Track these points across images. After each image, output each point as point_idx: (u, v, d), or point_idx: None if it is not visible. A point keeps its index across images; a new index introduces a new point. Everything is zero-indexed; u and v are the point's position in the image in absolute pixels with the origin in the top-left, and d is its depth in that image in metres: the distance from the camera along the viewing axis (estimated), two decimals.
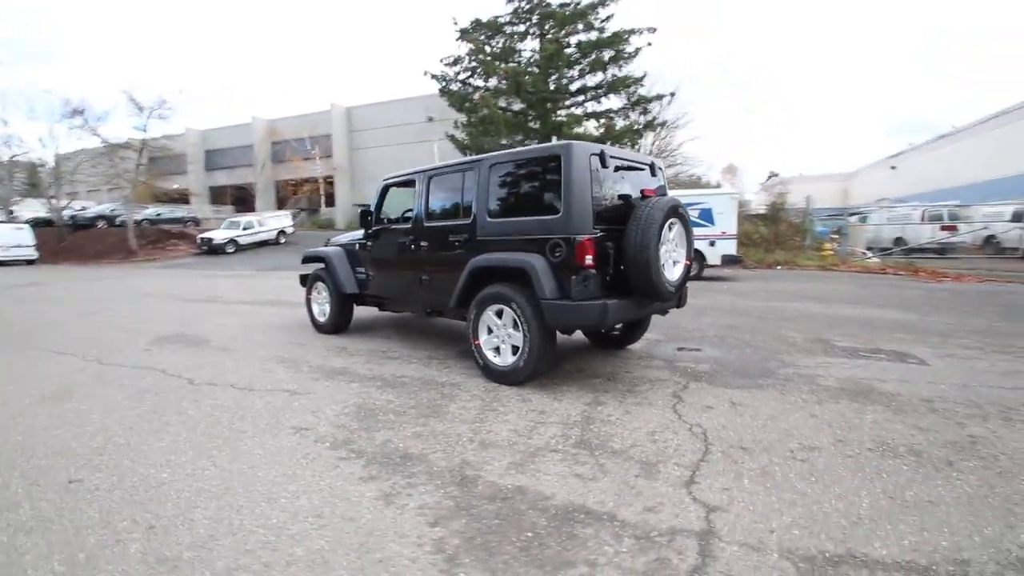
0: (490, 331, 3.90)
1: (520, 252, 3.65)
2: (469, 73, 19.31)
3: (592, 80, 19.03)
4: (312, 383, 3.89)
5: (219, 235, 22.25)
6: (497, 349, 3.86)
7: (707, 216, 10.97)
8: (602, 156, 3.56)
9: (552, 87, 18.38)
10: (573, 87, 18.97)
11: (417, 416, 3.19)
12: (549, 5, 19.00)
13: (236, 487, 2.33)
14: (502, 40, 19.76)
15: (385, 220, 5.09)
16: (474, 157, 4.19)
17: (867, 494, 2.21)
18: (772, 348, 4.89)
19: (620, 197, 3.74)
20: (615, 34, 18.06)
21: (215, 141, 37.69)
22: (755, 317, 6.55)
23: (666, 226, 3.59)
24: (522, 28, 19.86)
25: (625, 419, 3.09)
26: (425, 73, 19.10)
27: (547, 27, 19.35)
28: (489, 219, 3.90)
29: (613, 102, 19.04)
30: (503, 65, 18.08)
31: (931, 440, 2.73)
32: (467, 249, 4.03)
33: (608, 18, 18.68)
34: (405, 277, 4.74)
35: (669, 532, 1.95)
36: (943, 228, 16.20)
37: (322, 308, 5.80)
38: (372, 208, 5.06)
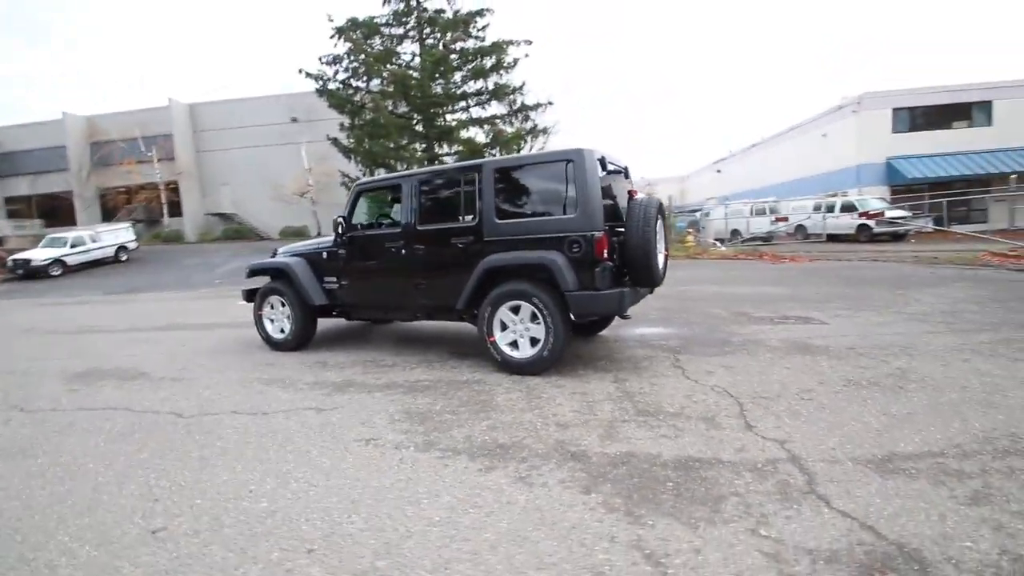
0: (504, 327, 4.08)
1: (535, 250, 3.91)
2: (349, 73, 18.54)
3: (473, 86, 19.58)
4: (327, 399, 3.70)
5: (38, 255, 18.23)
6: (514, 343, 4.06)
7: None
8: (602, 161, 3.99)
9: (439, 92, 18.49)
10: (457, 92, 19.30)
11: (474, 413, 3.28)
12: (426, 10, 19.10)
13: (364, 499, 2.27)
14: (379, 41, 19.36)
15: (358, 226, 4.92)
16: (473, 161, 4.31)
17: (868, 415, 2.93)
18: (711, 323, 5.78)
19: (606, 196, 4.20)
20: (495, 43, 18.80)
21: (11, 142, 30.55)
22: (676, 299, 7.54)
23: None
24: (400, 31, 19.67)
25: (655, 389, 3.55)
26: (300, 71, 17.93)
27: (426, 32, 19.44)
28: (498, 220, 4.08)
29: (496, 109, 19.79)
30: (388, 67, 17.71)
31: (876, 374, 3.64)
32: (473, 250, 4.16)
33: (485, 27, 19.39)
34: (394, 283, 4.65)
35: (768, 463, 2.43)
36: (777, 219, 19.73)
37: (279, 324, 5.36)
38: (344, 215, 4.86)
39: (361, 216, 4.95)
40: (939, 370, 3.66)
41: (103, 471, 2.70)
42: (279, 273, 5.32)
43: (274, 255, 5.63)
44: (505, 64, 19.08)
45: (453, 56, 18.39)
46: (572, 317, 3.89)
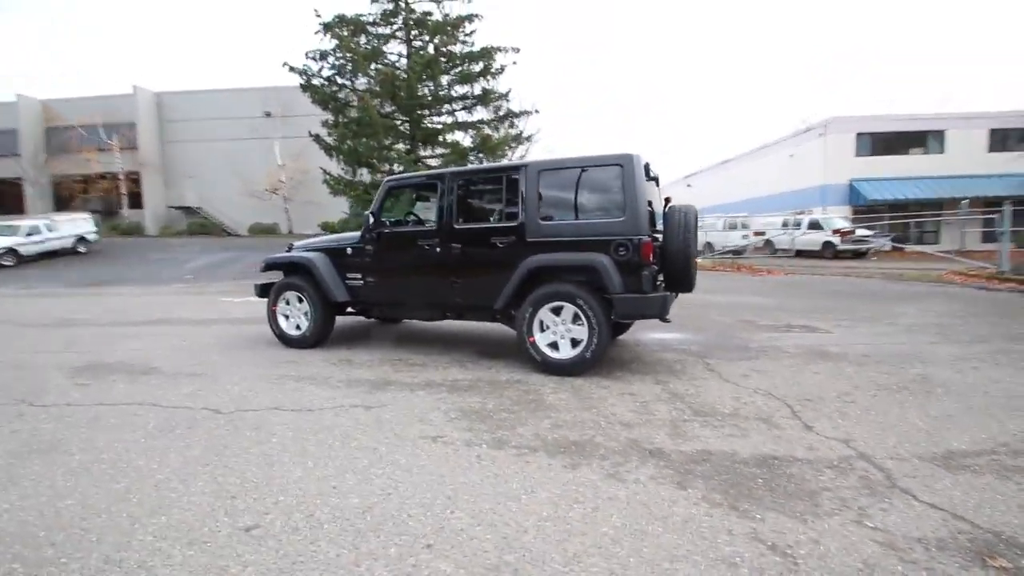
0: (543, 328, 4.09)
1: (580, 252, 3.95)
2: (335, 70, 18.18)
3: (460, 91, 19.54)
4: (370, 396, 3.61)
5: None
6: (554, 344, 4.08)
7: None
8: (646, 167, 4.07)
9: (426, 94, 18.37)
10: (444, 95, 19.21)
11: (530, 412, 3.27)
12: (414, 12, 18.99)
13: (459, 495, 2.23)
14: (365, 39, 19.10)
15: (386, 223, 4.84)
16: (516, 162, 4.33)
17: (911, 416, 3.09)
18: (721, 330, 5.96)
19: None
20: (484, 49, 18.85)
21: None
22: (676, 307, 7.72)
23: None
24: (387, 31, 19.47)
25: (700, 391, 3.63)
26: (284, 64, 17.42)
27: (414, 34, 19.31)
28: (541, 221, 4.09)
29: (482, 114, 19.81)
30: (378, 66, 17.48)
31: (901, 380, 3.84)
32: (515, 251, 4.16)
33: (472, 32, 19.43)
34: (426, 281, 4.59)
35: (842, 460, 2.53)
36: (755, 234, 20.48)
37: (295, 321, 5.18)
38: (372, 210, 4.76)
39: (390, 213, 4.86)
40: (956, 377, 3.90)
41: (158, 468, 2.54)
42: (298, 268, 5.16)
43: (290, 249, 5.46)
44: (493, 70, 19.15)
45: (442, 59, 18.32)
46: (616, 319, 3.95)
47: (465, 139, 19.21)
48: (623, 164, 3.90)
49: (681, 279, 4.15)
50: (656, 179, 4.72)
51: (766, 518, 2.03)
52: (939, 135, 23.48)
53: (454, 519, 2.05)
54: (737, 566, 1.75)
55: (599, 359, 3.96)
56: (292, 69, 17.71)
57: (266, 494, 2.27)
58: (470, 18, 19.00)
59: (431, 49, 17.88)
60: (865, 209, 23.53)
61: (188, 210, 28.79)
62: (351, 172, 18.59)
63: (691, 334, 5.68)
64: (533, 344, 4.08)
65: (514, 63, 19.35)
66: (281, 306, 5.21)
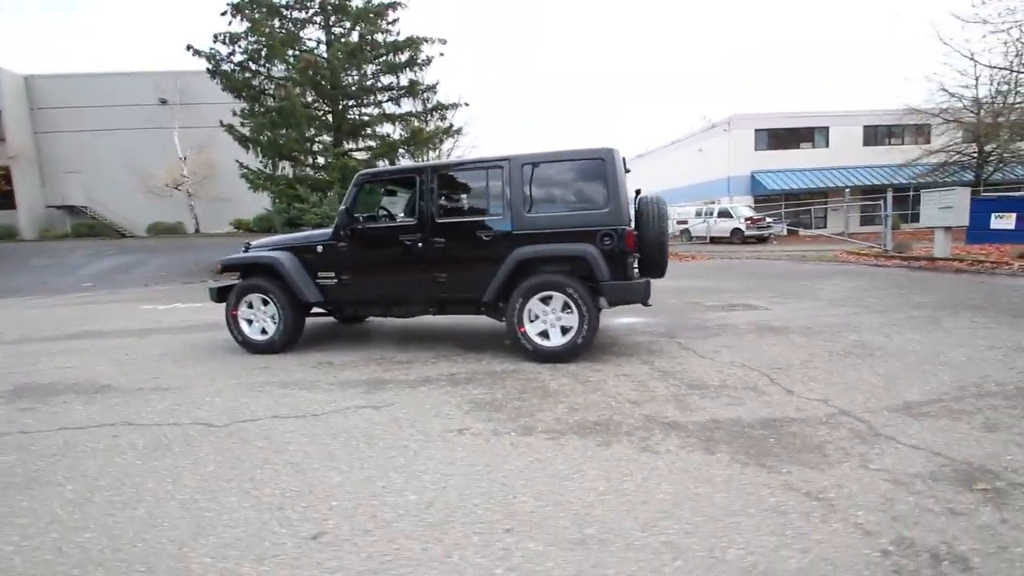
0: (533, 318, 4.20)
1: (567, 243, 4.10)
2: (247, 56, 16.86)
3: (385, 81, 18.95)
4: (372, 396, 3.53)
5: None
6: (544, 333, 4.20)
7: None
8: (624, 160, 4.30)
9: (351, 83, 17.61)
10: (368, 85, 18.52)
11: (541, 398, 3.37)
12: None
13: (512, 481, 2.29)
14: (279, 24, 17.90)
15: (360, 219, 4.68)
16: (499, 155, 4.34)
17: (865, 376, 3.58)
18: (675, 312, 6.41)
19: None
20: (409, 39, 18.37)
21: None
22: None
23: None
24: (303, 15, 18.38)
25: (687, 368, 3.93)
26: (188, 48, 15.85)
27: (333, 20, 18.40)
28: (527, 214, 4.18)
29: (410, 106, 19.35)
30: (295, 52, 16.44)
31: (844, 346, 4.40)
32: (501, 243, 4.22)
33: (394, 21, 18.88)
34: (407, 277, 4.52)
35: (829, 417, 2.89)
36: (677, 223, 21.89)
37: (260, 325, 4.87)
38: (346, 206, 4.58)
39: (362, 208, 4.70)
40: (885, 341, 4.53)
41: (174, 489, 2.35)
42: (262, 269, 4.85)
43: (247, 249, 5.10)
44: (419, 61, 18.73)
45: (366, 48, 17.63)
46: (605, 306, 4.15)
47: (394, 132, 18.66)
48: (605, 158, 4.09)
49: (656, 265, 4.45)
50: (628, 171, 4.98)
51: (791, 471, 2.31)
52: (824, 131, 26.47)
53: (519, 503, 2.11)
54: (787, 513, 1.98)
55: (589, 344, 4.15)
56: (197, 53, 16.17)
57: (314, 501, 2.19)
58: (394, 6, 18.43)
59: (355, 37, 17.13)
60: (764, 198, 26.02)
61: (72, 210, 25.47)
62: (271, 165, 17.41)
63: (651, 317, 6.06)
64: (524, 334, 4.18)
65: (441, 54, 18.93)
66: (243, 310, 4.87)
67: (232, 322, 4.87)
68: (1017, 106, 19.01)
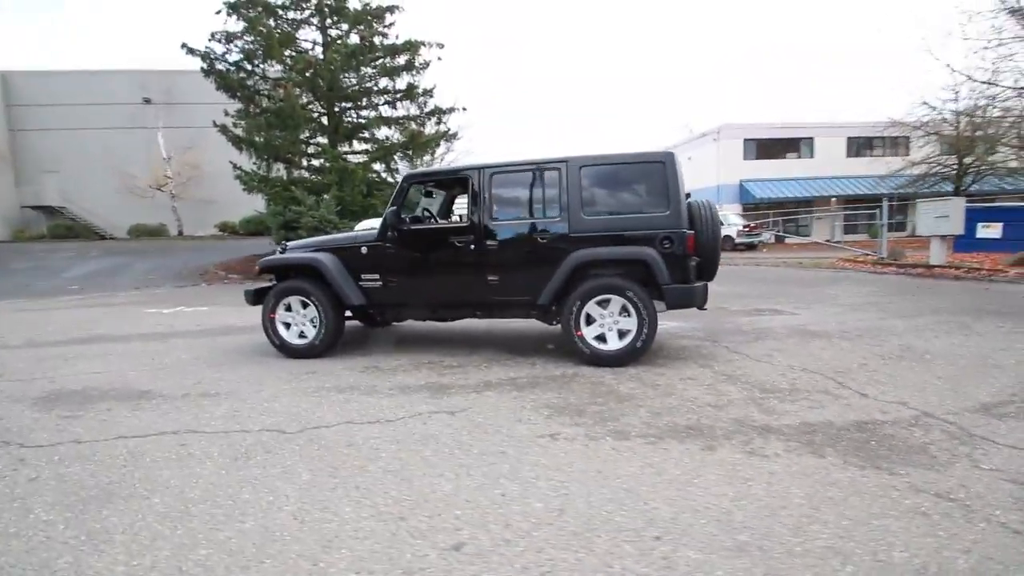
0: (589, 321, 4.15)
1: (626, 246, 4.07)
2: (243, 55, 16.53)
3: (382, 84, 18.79)
4: (440, 401, 3.42)
5: None
6: (601, 337, 4.15)
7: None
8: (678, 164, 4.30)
9: (349, 86, 17.40)
10: (366, 88, 18.33)
11: (619, 403, 3.31)
12: None
13: (637, 487, 2.22)
14: (274, 23, 17.62)
15: (406, 220, 4.57)
16: (556, 157, 4.29)
17: (928, 378, 3.62)
18: (704, 316, 6.41)
19: None
20: (407, 42, 18.27)
21: None
22: None
23: None
24: (298, 15, 18.13)
25: (749, 371, 3.92)
26: (183, 47, 15.46)
27: (329, 22, 18.20)
28: (585, 217, 4.14)
29: (408, 110, 19.22)
30: (294, 52, 16.17)
31: (892, 351, 4.45)
32: (558, 246, 4.17)
33: (391, 24, 18.76)
34: (458, 279, 4.42)
35: (916, 419, 2.90)
36: None
37: (299, 328, 4.71)
38: (394, 207, 4.47)
39: (408, 209, 4.60)
40: (929, 345, 4.60)
41: (276, 500, 2.21)
42: (303, 270, 4.69)
43: (284, 250, 4.94)
44: (417, 64, 18.65)
45: (364, 51, 17.46)
46: (666, 308, 4.12)
47: (393, 135, 18.48)
48: (664, 161, 4.08)
49: (709, 269, 4.45)
50: None
51: (908, 472, 2.29)
52: (809, 141, 27.18)
53: (654, 509, 2.05)
54: (928, 514, 1.96)
55: (648, 349, 4.12)
56: (192, 52, 15.80)
57: (435, 511, 2.09)
58: (391, 9, 18.33)
59: (354, 38, 16.95)
60: (753, 207, 26.53)
61: (49, 210, 24.53)
62: (266, 167, 17.07)
63: (685, 322, 6.06)
64: (581, 338, 4.12)
65: (439, 59, 18.93)
66: (281, 313, 4.70)
67: (270, 325, 4.70)
68: (994, 120, 19.79)
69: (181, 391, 3.80)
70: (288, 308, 4.71)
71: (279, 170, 17.55)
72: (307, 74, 16.00)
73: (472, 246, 4.32)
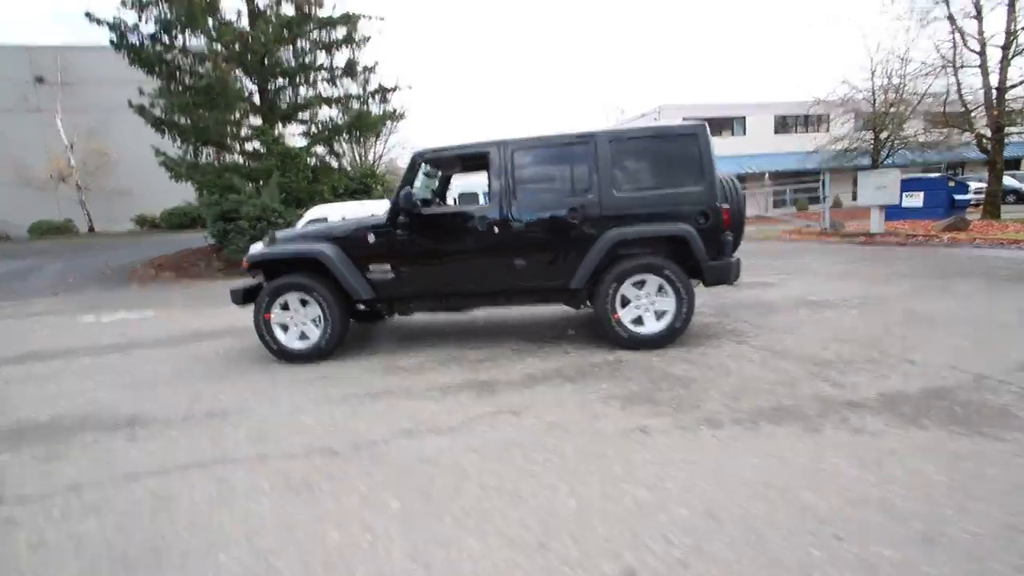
0: (624, 303, 3.97)
1: (663, 223, 3.90)
2: (158, 25, 14.70)
3: (320, 60, 17.47)
4: (494, 400, 3.12)
5: None
6: (638, 319, 3.98)
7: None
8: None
9: (283, 61, 16.01)
10: (303, 63, 16.95)
11: (686, 388, 3.15)
12: None
13: (773, 481, 2.06)
14: None
15: (418, 202, 4.14)
16: (583, 131, 3.99)
17: (956, 340, 3.74)
18: (700, 292, 6.46)
19: None
20: (346, 15, 17.05)
21: None
22: None
23: None
24: None
25: (788, 346, 3.88)
26: (88, 16, 13.50)
27: None
28: (617, 193, 3.91)
29: (349, 88, 18.03)
30: (225, 24, 14.57)
31: (903, 318, 4.59)
32: (590, 225, 3.92)
33: None
34: (481, 265, 4.07)
35: (977, 381, 2.95)
36: None
37: (300, 329, 4.19)
38: (408, 188, 4.01)
39: (421, 191, 4.16)
40: (931, 309, 4.80)
41: (377, 539, 1.85)
42: (301, 264, 4.15)
43: (272, 241, 4.35)
44: (357, 39, 17.49)
45: (298, 22, 16.10)
46: (705, 286, 4.00)
47: (335, 115, 17.30)
48: (698, 133, 3.92)
49: (736, 243, 4.38)
50: None
51: (1006, 437, 2.30)
52: (741, 120, 28.41)
53: (809, 505, 1.89)
54: None
55: (686, 328, 4.00)
56: (98, 22, 13.84)
57: (576, 533, 1.82)
58: None
59: (287, 8, 15.55)
60: None
61: None
62: (193, 152, 15.47)
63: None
64: (618, 321, 3.93)
65: (380, 32, 17.93)
66: (277, 313, 4.15)
67: (265, 328, 4.13)
68: (904, 99, 21.53)
69: (180, 412, 3.23)
70: (285, 307, 4.16)
71: (209, 155, 15.97)
72: (235, 47, 14.55)
73: (497, 229, 3.99)
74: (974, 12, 12.18)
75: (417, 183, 4.17)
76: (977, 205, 15.45)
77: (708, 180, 3.89)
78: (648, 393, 3.09)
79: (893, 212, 14.91)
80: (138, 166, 23.21)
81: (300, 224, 12.32)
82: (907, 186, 15.47)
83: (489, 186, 4.11)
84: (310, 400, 3.31)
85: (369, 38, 17.81)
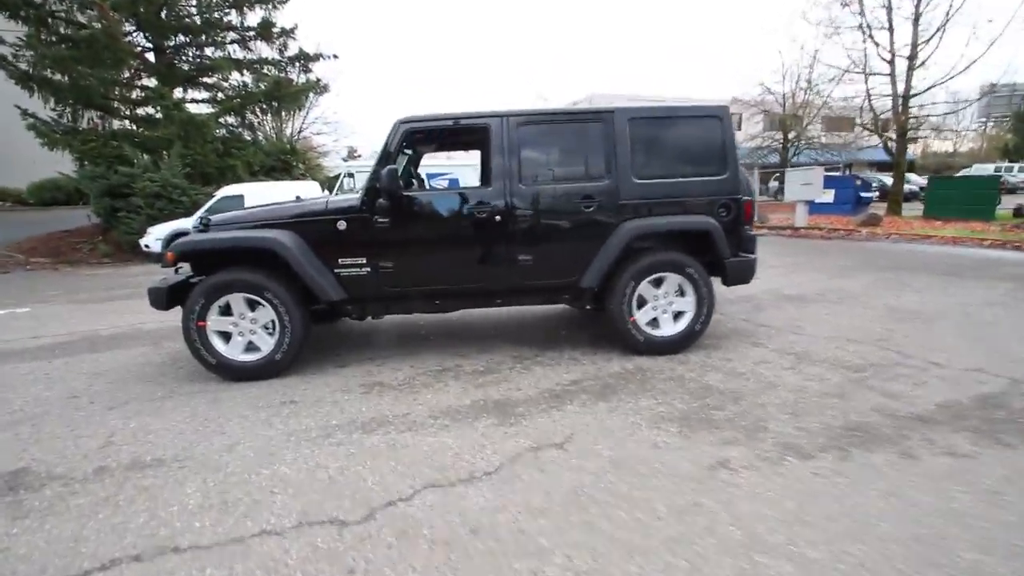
0: (640, 304, 3.54)
1: (683, 215, 3.50)
2: None
3: (229, 18, 15.38)
4: (522, 430, 2.55)
5: None
6: (654, 321, 3.58)
7: (455, 185, 11.49)
8: None
9: (183, 14, 13.86)
10: (207, 20, 14.79)
11: (733, 404, 2.78)
12: None
13: (885, 513, 1.71)
14: None
15: (400, 183, 3.40)
16: (600, 107, 3.46)
17: (963, 341, 3.73)
18: None
19: None
20: None
21: None
22: None
23: None
24: None
25: (806, 348, 3.67)
26: None
27: None
28: (636, 180, 3.44)
29: (264, 52, 16.08)
30: None
31: (889, 314, 4.62)
32: (604, 215, 3.43)
33: None
34: (477, 260, 3.43)
35: (1013, 386, 2.87)
36: None
37: (247, 339, 3.31)
38: (387, 167, 3.25)
39: (404, 168, 3.42)
40: (909, 304, 4.87)
41: None
42: (249, 255, 3.27)
43: (206, 227, 3.39)
44: None
45: None
46: (727, 285, 3.67)
47: (249, 82, 15.35)
48: (722, 116, 3.55)
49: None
50: None
51: None
52: None
53: (969, 561, 1.56)
54: None
55: (705, 331, 3.66)
56: None
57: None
58: None
59: None
60: None
61: None
62: (71, 116, 13.02)
63: None
64: (635, 323, 3.51)
65: None
66: (215, 319, 3.24)
67: (199, 337, 3.21)
68: (809, 102, 23.29)
69: (88, 463, 2.33)
70: (226, 311, 3.27)
71: (92, 119, 13.51)
72: None
73: (498, 217, 3.37)
74: (887, 25, 13.14)
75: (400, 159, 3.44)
76: (879, 201, 17.05)
77: (732, 169, 3.55)
78: (699, 412, 2.68)
79: (811, 207, 16.05)
80: None
81: (208, 205, 10.76)
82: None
83: (486, 166, 3.47)
84: (280, 437, 2.53)
85: None
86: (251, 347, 3.34)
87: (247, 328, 3.31)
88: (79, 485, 2.15)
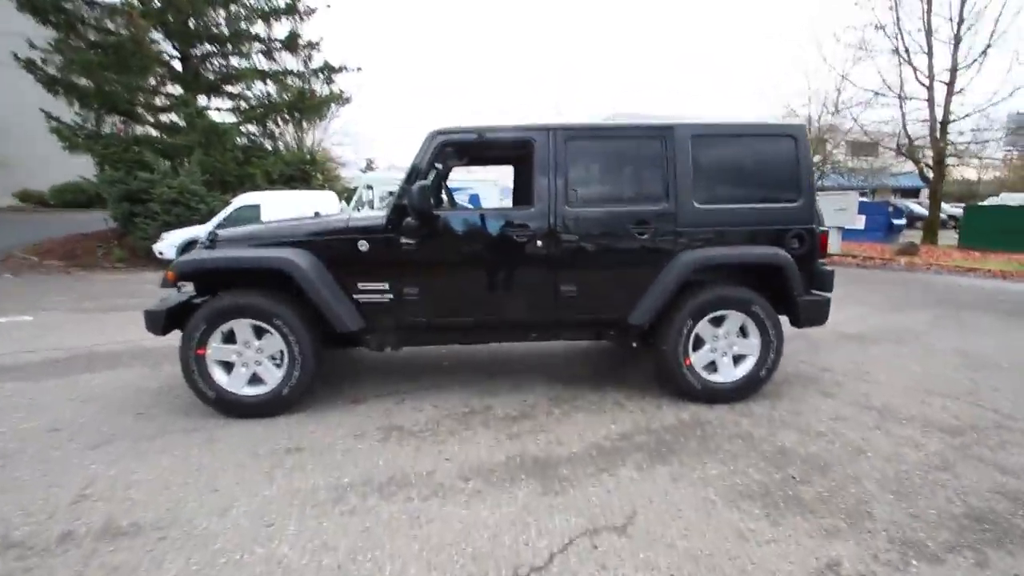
0: (698, 345, 3.11)
1: (752, 246, 3.09)
2: None
3: (256, 29, 15.44)
4: (571, 502, 2.12)
5: None
6: (712, 365, 3.14)
7: (475, 202, 11.18)
8: None
9: (211, 24, 13.91)
10: (242, 31, 14.85)
11: (818, 475, 2.33)
12: None
13: None
14: None
15: (430, 200, 3.03)
16: (658, 122, 3.08)
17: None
18: None
19: None
20: None
21: None
22: None
23: None
24: None
25: (883, 399, 3.23)
26: None
27: None
28: (697, 205, 3.04)
29: (289, 64, 16.10)
30: None
31: (957, 357, 4.13)
32: (661, 244, 3.02)
33: None
34: (515, 290, 3.04)
35: None
36: None
37: (251, 370, 2.93)
38: (420, 182, 2.89)
39: (436, 184, 3.06)
40: (980, 349, 4.38)
41: None
42: (259, 277, 2.91)
43: (212, 244, 3.05)
44: (300, 10, 15.67)
45: None
46: (798, 327, 3.23)
47: (273, 93, 15.33)
48: (796, 136, 3.15)
49: None
50: None
51: None
52: None
53: None
54: None
55: (771, 377, 3.21)
56: None
57: None
58: None
59: None
60: None
61: None
62: (96, 120, 13.02)
63: None
64: (690, 367, 3.07)
65: (328, 6, 16.18)
66: (217, 347, 2.88)
67: (197, 368, 2.85)
68: (834, 126, 22.81)
69: (52, 524, 1.94)
70: (230, 339, 2.91)
71: (115, 124, 13.52)
72: (156, 2, 12.36)
73: (539, 242, 2.98)
74: (926, 49, 12.70)
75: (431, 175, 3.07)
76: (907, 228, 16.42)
77: (807, 195, 3.13)
78: (782, 487, 2.23)
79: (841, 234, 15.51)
80: (20, 132, 19.61)
81: (224, 213, 10.56)
82: None
83: (526, 183, 3.10)
84: (281, 498, 2.13)
85: (315, 10, 16.08)
86: (255, 379, 2.96)
87: (252, 358, 2.93)
88: (37, 559, 1.76)
